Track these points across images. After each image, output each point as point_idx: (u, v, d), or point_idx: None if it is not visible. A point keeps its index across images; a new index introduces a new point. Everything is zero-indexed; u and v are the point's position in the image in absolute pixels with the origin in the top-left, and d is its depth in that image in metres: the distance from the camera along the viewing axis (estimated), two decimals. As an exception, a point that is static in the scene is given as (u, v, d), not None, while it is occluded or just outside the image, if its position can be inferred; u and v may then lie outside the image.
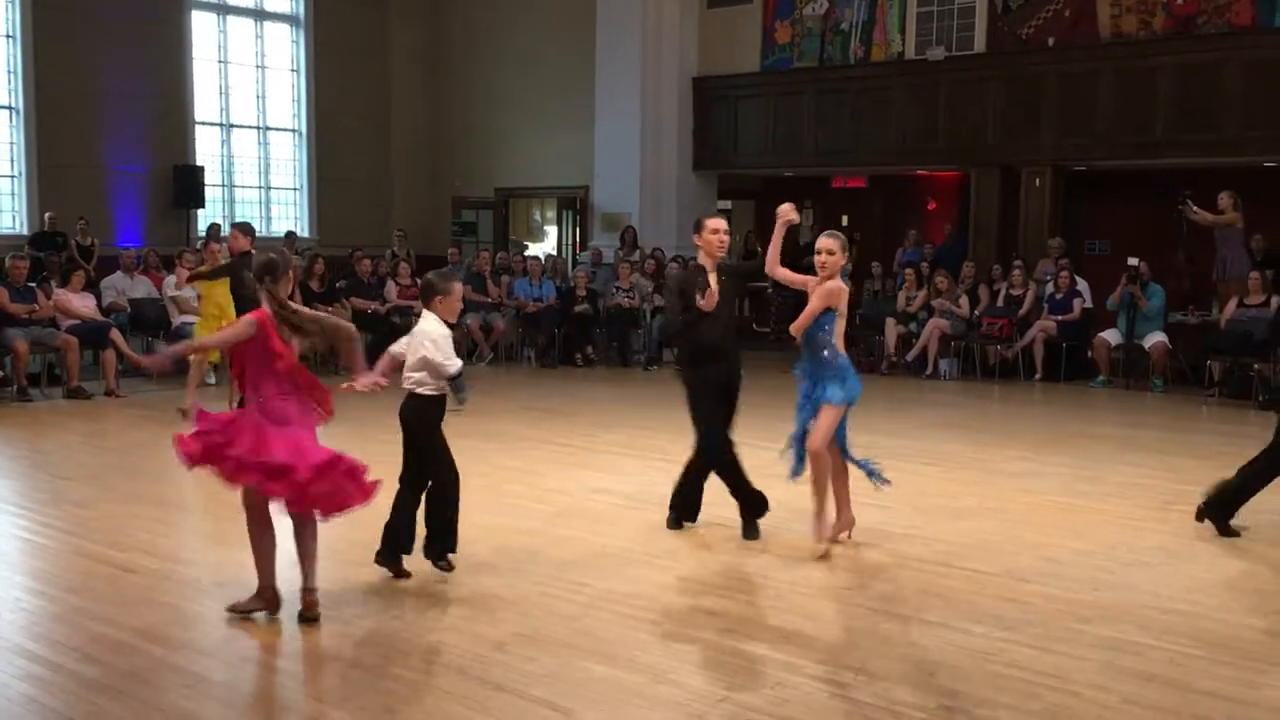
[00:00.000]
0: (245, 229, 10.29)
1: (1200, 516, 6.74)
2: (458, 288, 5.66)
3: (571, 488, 7.73)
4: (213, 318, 10.58)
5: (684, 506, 6.74)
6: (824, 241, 6.18)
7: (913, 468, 8.30)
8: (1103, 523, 6.98)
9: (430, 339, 5.44)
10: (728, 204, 19.52)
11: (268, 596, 5.06)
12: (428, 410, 5.51)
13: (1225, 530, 6.62)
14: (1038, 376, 13.29)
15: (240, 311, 9.16)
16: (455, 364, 5.47)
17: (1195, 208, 12.63)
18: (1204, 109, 13.17)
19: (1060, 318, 13.29)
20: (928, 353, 13.69)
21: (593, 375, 13.97)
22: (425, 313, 5.58)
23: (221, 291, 10.48)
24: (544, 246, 19.05)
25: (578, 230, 18.75)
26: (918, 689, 4.41)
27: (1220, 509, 6.66)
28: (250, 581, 5.08)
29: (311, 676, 4.52)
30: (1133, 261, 12.82)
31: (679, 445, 9.13)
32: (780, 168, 17.54)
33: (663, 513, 6.96)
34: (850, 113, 15.89)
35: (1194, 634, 5.04)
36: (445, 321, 5.55)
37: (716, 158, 17.33)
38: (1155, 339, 12.80)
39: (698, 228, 6.52)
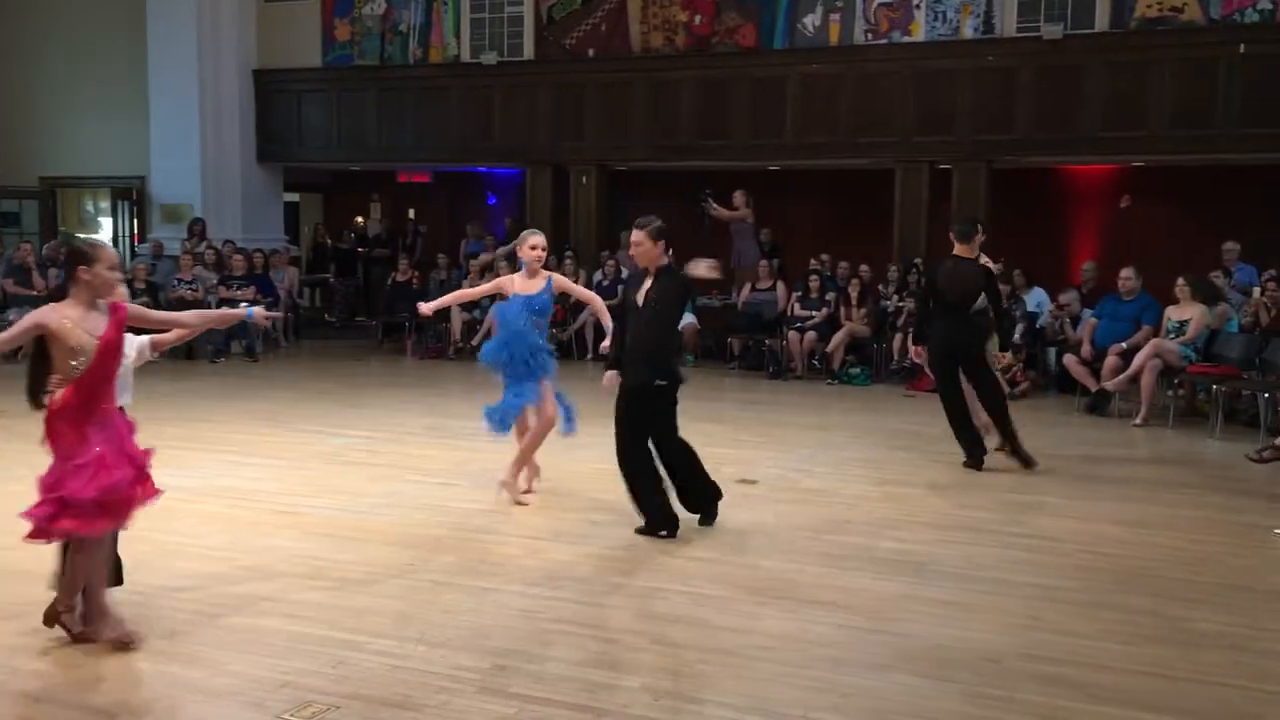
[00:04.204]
0: None
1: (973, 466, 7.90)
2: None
3: (128, 486, 7.12)
4: None
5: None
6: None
7: (475, 443, 8.34)
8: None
9: None
10: (295, 196, 18.82)
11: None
12: None
13: (1024, 457, 7.91)
14: (590, 357, 13.89)
15: None
16: None
17: (715, 205, 13.71)
18: (720, 117, 14.28)
19: (608, 303, 13.92)
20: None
21: (154, 369, 12.81)
22: None
23: None
24: (98, 238, 17.42)
25: (135, 221, 17.32)
26: (475, 652, 4.47)
27: (1012, 443, 7.94)
28: None
29: None
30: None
31: (244, 437, 8.78)
32: (346, 162, 17.11)
33: (225, 504, 6.67)
34: (411, 111, 15.80)
35: (712, 577, 5.47)
36: None
37: (281, 150, 16.62)
38: (686, 320, 13.79)
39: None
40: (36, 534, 4.29)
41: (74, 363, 4.27)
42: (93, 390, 4.31)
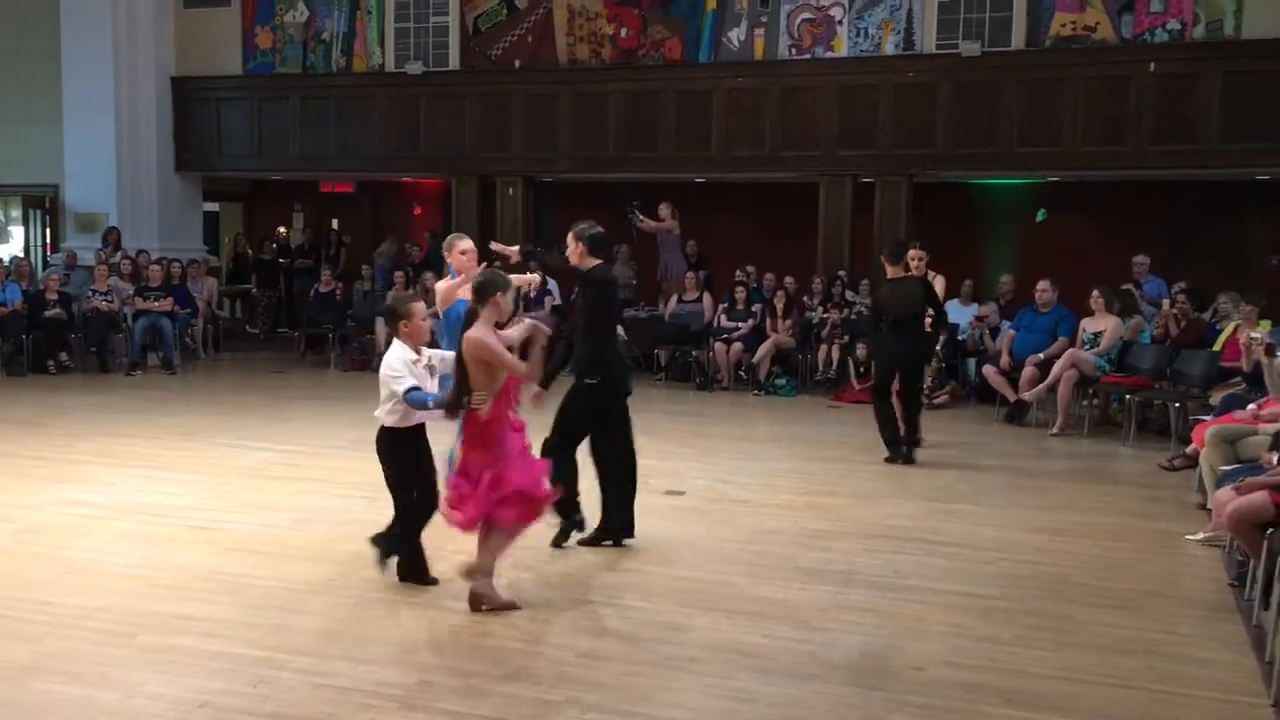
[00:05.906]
0: None
1: (892, 461, 8.58)
2: (419, 308, 5.29)
3: (40, 501, 6.93)
4: None
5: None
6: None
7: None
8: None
9: (388, 368, 5.19)
10: (215, 206, 18.48)
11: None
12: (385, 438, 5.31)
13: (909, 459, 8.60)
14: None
15: None
16: (404, 383, 5.12)
17: (641, 216, 13.75)
18: (647, 130, 14.31)
19: (532, 315, 13.89)
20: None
21: (69, 383, 12.62)
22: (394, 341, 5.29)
23: None
24: (9, 249, 16.92)
25: (48, 231, 16.86)
26: (399, 667, 4.42)
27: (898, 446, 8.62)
28: None
29: None
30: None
31: (161, 452, 8.57)
32: (267, 171, 16.84)
33: (140, 520, 6.49)
34: (335, 119, 15.60)
35: (640, 588, 5.47)
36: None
37: (200, 159, 16.29)
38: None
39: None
40: (505, 520, 4.94)
41: (498, 378, 4.87)
42: (509, 400, 4.98)
